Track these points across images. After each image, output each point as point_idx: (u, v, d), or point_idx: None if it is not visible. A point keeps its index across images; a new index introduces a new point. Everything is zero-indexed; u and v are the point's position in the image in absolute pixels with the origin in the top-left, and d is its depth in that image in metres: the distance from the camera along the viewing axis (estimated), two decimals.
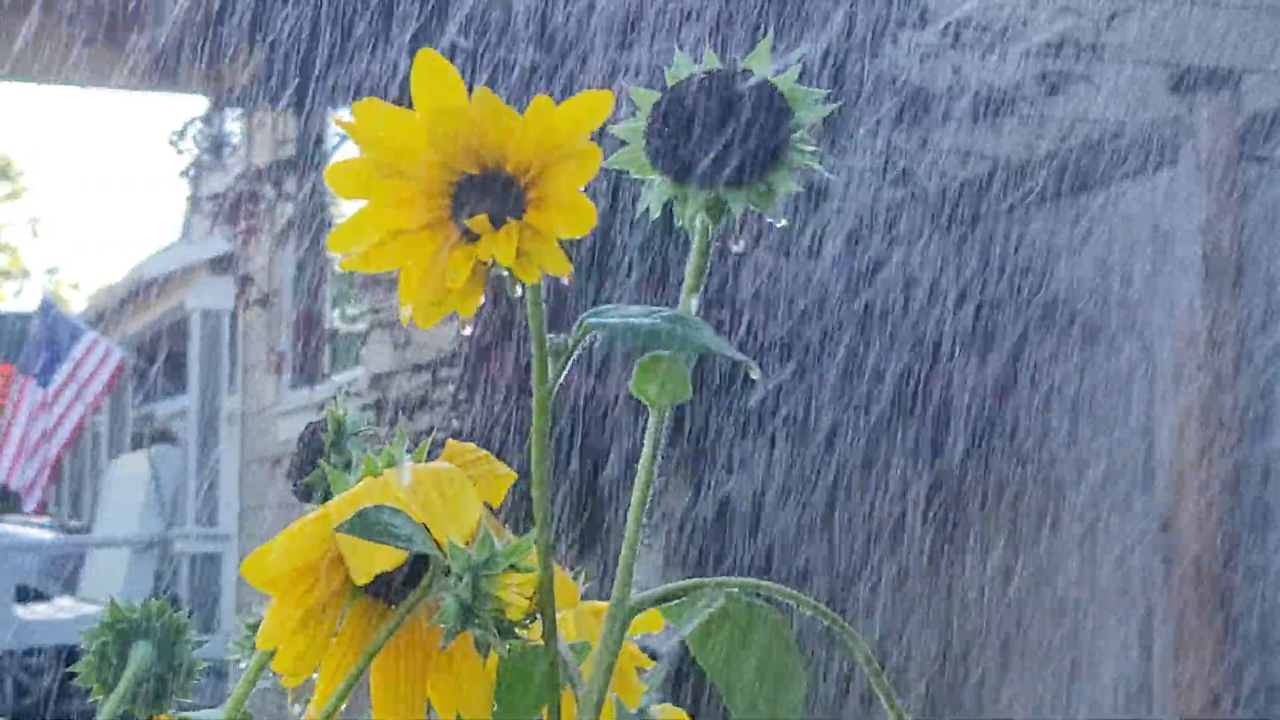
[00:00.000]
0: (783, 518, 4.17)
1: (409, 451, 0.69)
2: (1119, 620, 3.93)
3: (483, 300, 0.66)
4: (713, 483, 4.18)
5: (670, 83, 0.68)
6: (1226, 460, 3.73)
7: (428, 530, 0.65)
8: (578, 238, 0.64)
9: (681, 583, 0.70)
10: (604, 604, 0.75)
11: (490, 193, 0.65)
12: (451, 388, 4.70)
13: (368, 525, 0.63)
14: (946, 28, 4.58)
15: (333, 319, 7.60)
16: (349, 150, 0.67)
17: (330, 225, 6.14)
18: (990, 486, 4.21)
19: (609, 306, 0.66)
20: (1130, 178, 4.01)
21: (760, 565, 4.11)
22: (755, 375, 0.65)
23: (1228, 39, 4.72)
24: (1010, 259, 4.23)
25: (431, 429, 0.70)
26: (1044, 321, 4.14)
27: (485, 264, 0.64)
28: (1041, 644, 4.10)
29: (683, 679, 3.55)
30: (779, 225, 0.68)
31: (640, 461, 0.70)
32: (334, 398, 0.80)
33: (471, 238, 0.65)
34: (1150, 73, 4.54)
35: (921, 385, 4.13)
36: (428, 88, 0.64)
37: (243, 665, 0.76)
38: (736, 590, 0.70)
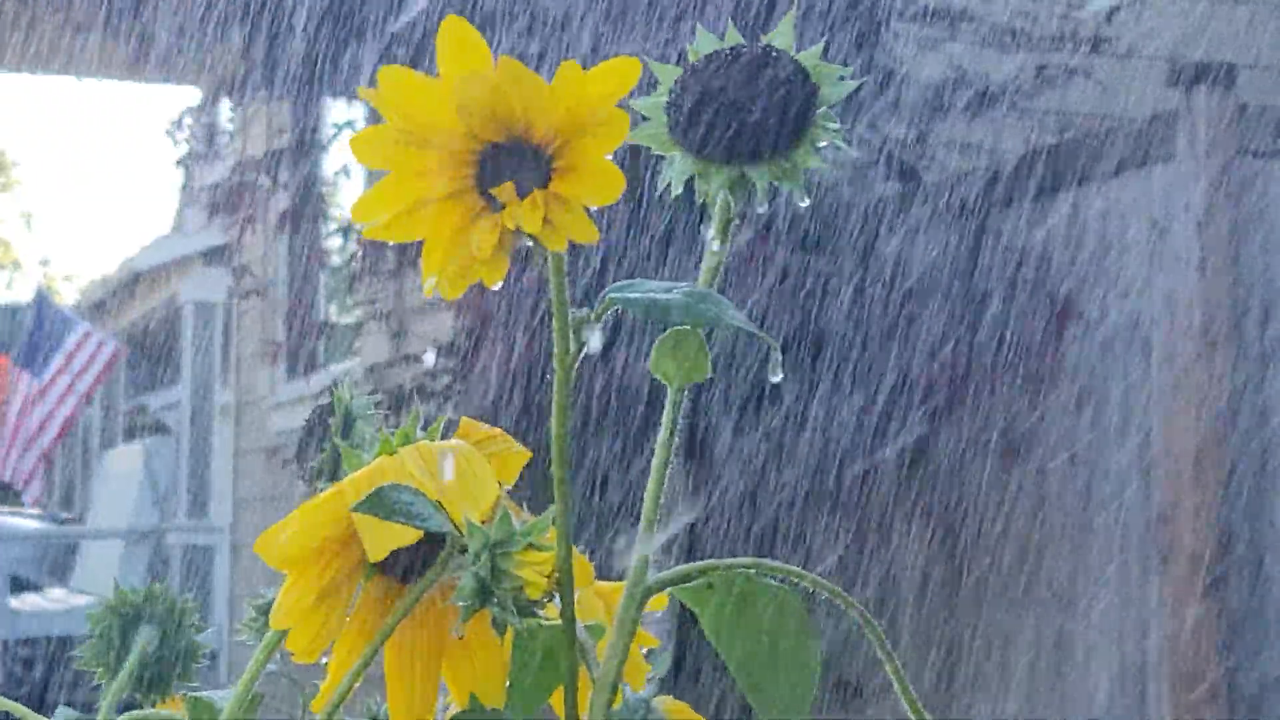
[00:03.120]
0: (780, 508, 4.17)
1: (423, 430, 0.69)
2: (1115, 612, 3.93)
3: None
4: (711, 471, 4.18)
5: (692, 58, 0.67)
6: (1222, 453, 3.73)
7: (444, 508, 0.64)
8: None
9: (698, 563, 0.70)
10: (606, 585, 0.75)
11: (516, 161, 0.64)
12: (447, 378, 4.70)
13: (384, 503, 0.63)
14: (944, 20, 4.58)
15: (328, 310, 7.59)
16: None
17: (326, 216, 6.13)
18: (986, 478, 4.21)
19: (632, 281, 0.66)
20: (1127, 171, 4.01)
21: (758, 555, 4.10)
22: (776, 354, 0.64)
23: (1225, 33, 4.72)
24: (1006, 252, 4.23)
25: (428, 420, 0.69)
26: (1040, 314, 4.14)
27: (511, 233, 0.64)
28: (1037, 636, 4.11)
29: (682, 671, 3.55)
30: (802, 205, 0.67)
31: (658, 441, 0.69)
32: (334, 385, 0.79)
33: (497, 207, 0.64)
34: (1148, 67, 4.54)
35: (917, 378, 4.13)
36: (454, 55, 0.63)
37: (250, 643, 0.76)
38: (753, 572, 0.70)
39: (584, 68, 0.63)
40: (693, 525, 4.17)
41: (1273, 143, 3.87)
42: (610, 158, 0.64)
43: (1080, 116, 4.68)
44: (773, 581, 0.70)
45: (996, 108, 4.54)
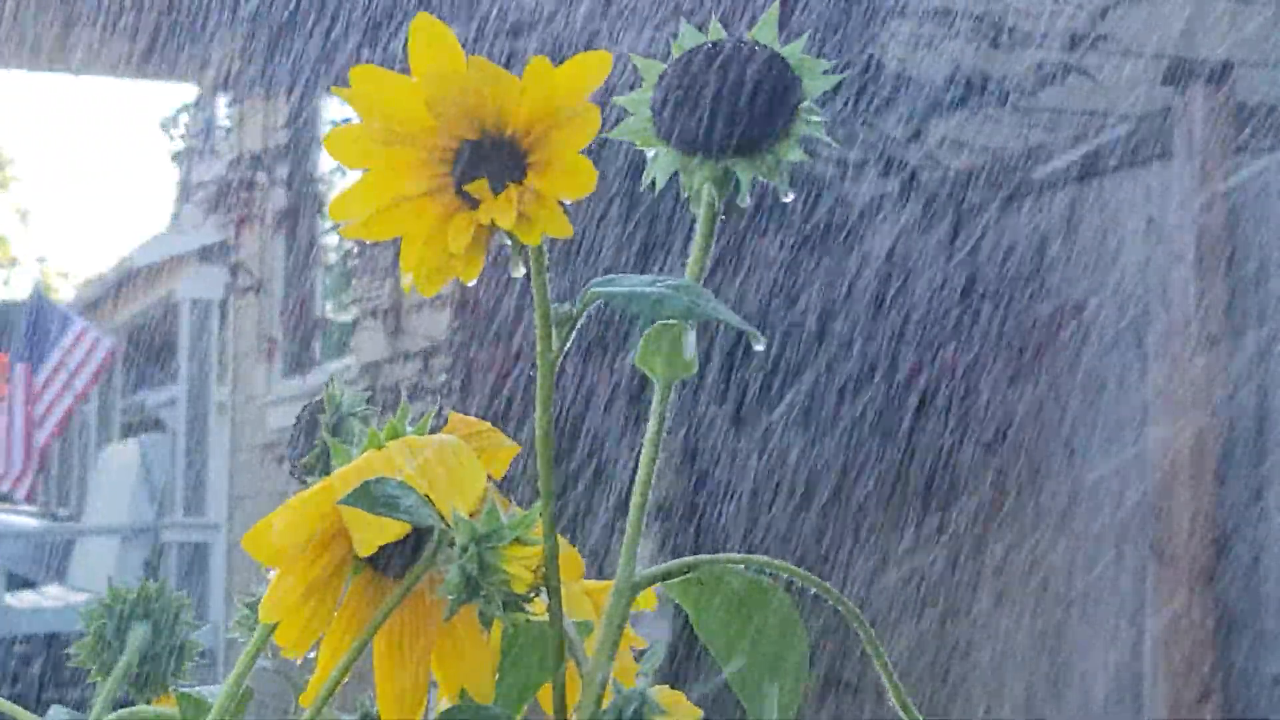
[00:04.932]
0: (776, 506, 4.17)
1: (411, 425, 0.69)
2: (1110, 611, 3.93)
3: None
4: (706, 469, 4.18)
5: (676, 53, 0.68)
6: (1218, 450, 3.74)
7: (432, 502, 0.64)
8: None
9: (686, 559, 0.70)
10: (596, 584, 0.75)
11: (490, 157, 0.64)
12: (443, 376, 4.70)
13: (371, 497, 0.63)
14: (941, 18, 4.58)
15: (324, 307, 7.59)
16: None
17: (322, 213, 6.13)
18: (981, 476, 4.21)
19: (615, 275, 0.66)
20: (1123, 169, 4.01)
21: (750, 551, 4.10)
22: (759, 346, 0.65)
23: (1221, 31, 4.72)
24: (1003, 250, 4.23)
25: (423, 417, 0.69)
26: (1036, 312, 4.15)
27: (487, 229, 0.64)
28: (1032, 635, 4.11)
29: (677, 663, 3.56)
30: (786, 200, 0.67)
31: (645, 438, 0.69)
32: (328, 382, 0.80)
33: (473, 203, 0.65)
34: (1144, 64, 4.54)
35: (913, 375, 4.13)
36: (425, 53, 0.64)
37: (243, 640, 0.76)
38: (742, 568, 0.70)
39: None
40: (689, 521, 4.18)
41: (1269, 140, 3.87)
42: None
43: (1077, 114, 4.68)
44: (762, 577, 0.70)
45: (993, 106, 4.55)
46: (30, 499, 10.50)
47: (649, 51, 3.63)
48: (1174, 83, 3.83)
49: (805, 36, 0.66)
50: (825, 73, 0.66)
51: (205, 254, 9.48)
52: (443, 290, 0.66)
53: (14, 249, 21.80)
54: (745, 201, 0.65)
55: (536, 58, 0.62)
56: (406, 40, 0.64)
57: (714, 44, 0.67)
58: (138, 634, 0.79)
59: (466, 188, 0.65)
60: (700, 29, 0.68)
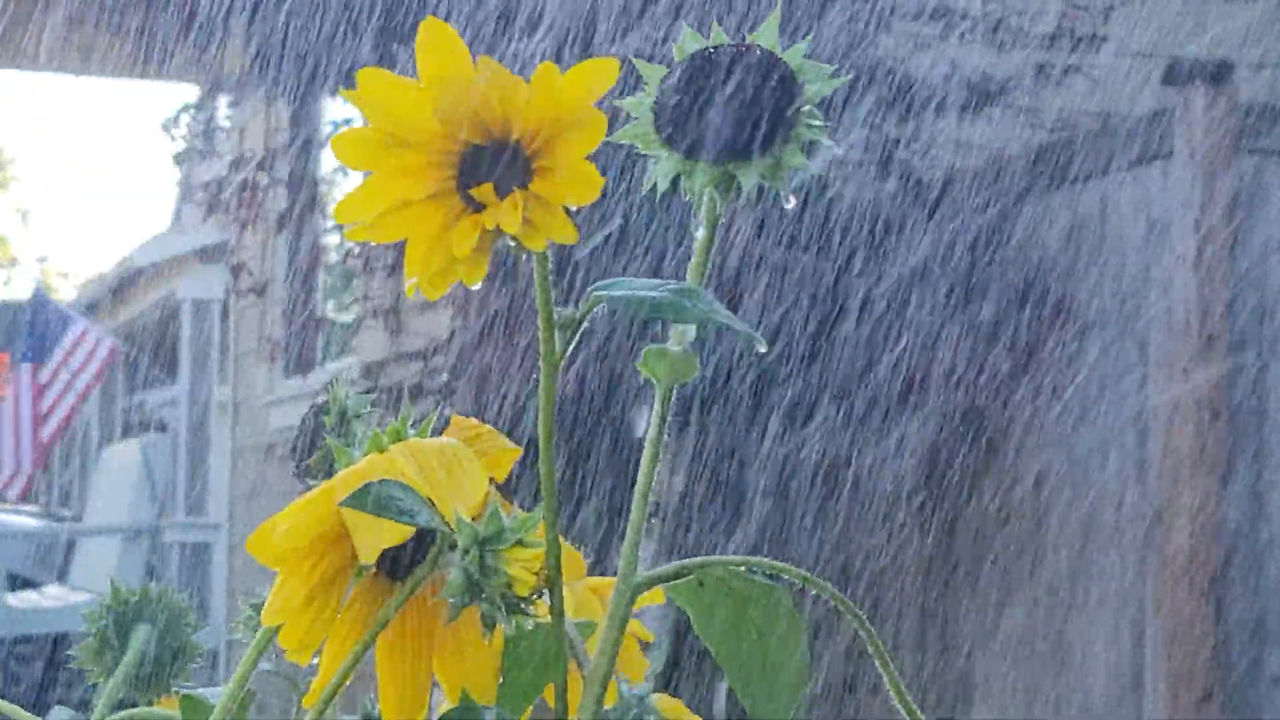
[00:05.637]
0: (777, 507, 4.17)
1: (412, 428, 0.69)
2: (1111, 611, 3.93)
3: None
4: (708, 469, 4.18)
5: (678, 58, 0.68)
6: (1219, 451, 3.74)
7: (434, 505, 0.65)
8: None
9: (688, 560, 0.70)
10: (602, 580, 0.75)
11: (496, 162, 0.65)
12: (444, 376, 4.70)
13: (373, 500, 0.63)
14: (941, 18, 4.58)
15: (325, 307, 7.59)
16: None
17: (323, 213, 6.14)
18: (982, 477, 4.21)
19: (617, 279, 0.66)
20: (1124, 169, 4.01)
21: (754, 554, 4.10)
22: (761, 349, 0.65)
23: (1222, 31, 4.72)
24: (1003, 250, 4.23)
25: (424, 417, 0.69)
26: (1037, 312, 4.15)
27: (492, 233, 0.64)
28: (1033, 635, 4.11)
29: (678, 668, 3.56)
30: (788, 206, 0.67)
31: (647, 439, 0.69)
32: (331, 383, 0.80)
33: (478, 207, 0.65)
34: (1144, 65, 4.54)
35: (914, 376, 4.13)
36: (432, 57, 0.64)
37: (246, 641, 0.76)
38: (743, 569, 0.70)
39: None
40: (686, 521, 4.18)
41: (1269, 140, 3.87)
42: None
43: (1077, 114, 4.68)
44: (763, 579, 0.71)
45: (994, 106, 4.55)
46: (31, 498, 10.50)
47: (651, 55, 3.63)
48: (1174, 83, 3.83)
49: (807, 40, 0.66)
50: (827, 76, 0.67)
51: (206, 254, 9.48)
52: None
53: (14, 249, 21.77)
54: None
55: (544, 63, 0.62)
56: (411, 42, 0.64)
57: (715, 48, 0.67)
58: (139, 635, 0.79)
59: (473, 192, 0.65)
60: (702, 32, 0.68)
